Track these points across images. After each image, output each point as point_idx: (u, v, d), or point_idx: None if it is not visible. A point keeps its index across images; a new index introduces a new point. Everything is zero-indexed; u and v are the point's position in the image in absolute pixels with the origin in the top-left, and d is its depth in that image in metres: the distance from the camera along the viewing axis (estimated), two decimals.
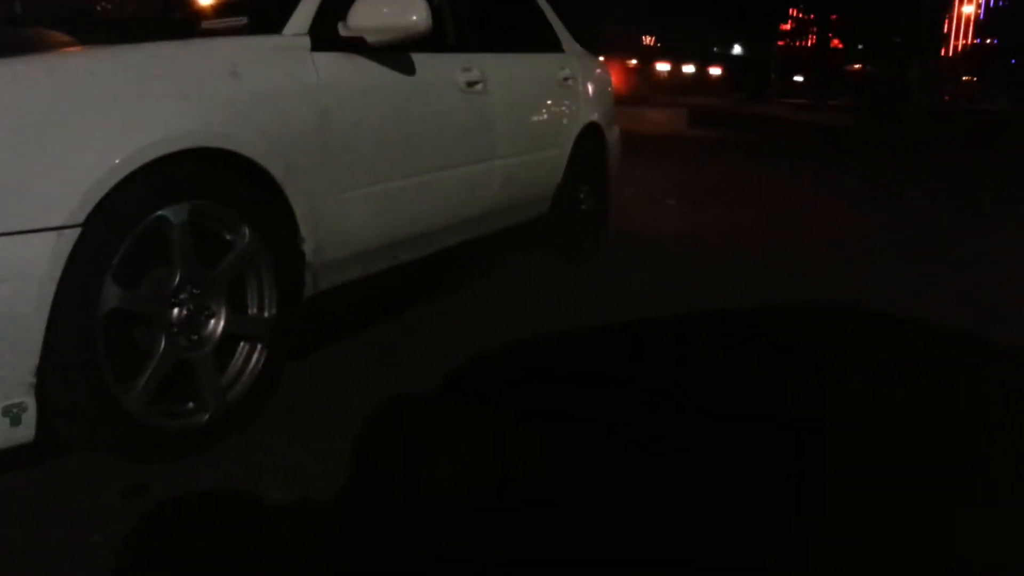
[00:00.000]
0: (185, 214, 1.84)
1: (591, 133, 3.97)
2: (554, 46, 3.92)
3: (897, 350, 2.94)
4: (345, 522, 1.73)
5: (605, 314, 3.14)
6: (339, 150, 2.28)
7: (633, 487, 1.91)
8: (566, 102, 3.80)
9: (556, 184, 3.70)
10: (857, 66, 30.19)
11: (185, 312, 1.89)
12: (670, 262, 4.02)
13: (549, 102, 3.67)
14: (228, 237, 1.98)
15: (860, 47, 32.05)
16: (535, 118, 3.53)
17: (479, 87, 3.00)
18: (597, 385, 2.49)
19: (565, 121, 3.80)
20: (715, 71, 33.42)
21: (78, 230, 1.61)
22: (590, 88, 4.06)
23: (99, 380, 1.71)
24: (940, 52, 38.22)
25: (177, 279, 1.86)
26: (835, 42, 32.95)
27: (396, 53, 2.52)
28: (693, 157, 7.32)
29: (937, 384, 2.61)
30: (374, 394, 2.32)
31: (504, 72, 3.23)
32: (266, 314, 2.10)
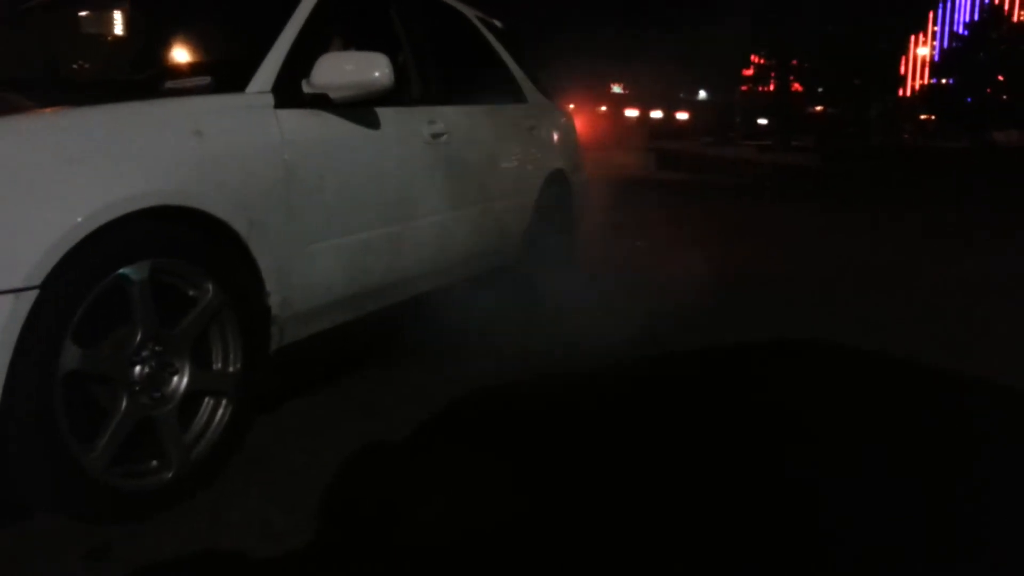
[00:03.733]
0: (146, 272, 1.84)
1: (556, 180, 4.04)
2: (517, 97, 4.01)
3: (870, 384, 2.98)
4: None
5: (576, 354, 3.16)
6: (304, 205, 2.31)
7: (612, 533, 1.90)
8: (530, 150, 3.89)
9: (522, 231, 3.74)
10: (819, 108, 30.91)
11: (147, 370, 1.88)
12: (641, 301, 4.06)
13: (513, 151, 3.75)
14: (191, 293, 1.98)
15: (820, 90, 32.86)
16: (500, 167, 3.60)
17: (444, 138, 3.05)
18: (574, 429, 2.50)
19: (530, 168, 3.88)
20: (682, 116, 34.05)
21: (36, 292, 1.61)
22: (554, 136, 4.15)
23: (57, 442, 1.68)
24: (898, 92, 39.27)
25: (139, 337, 1.85)
26: (796, 85, 33.77)
27: (360, 108, 2.57)
28: (661, 199, 7.43)
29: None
30: (344, 444, 2.31)
31: (468, 123, 3.29)
32: (231, 369, 2.09)
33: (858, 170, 13.97)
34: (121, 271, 1.79)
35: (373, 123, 2.64)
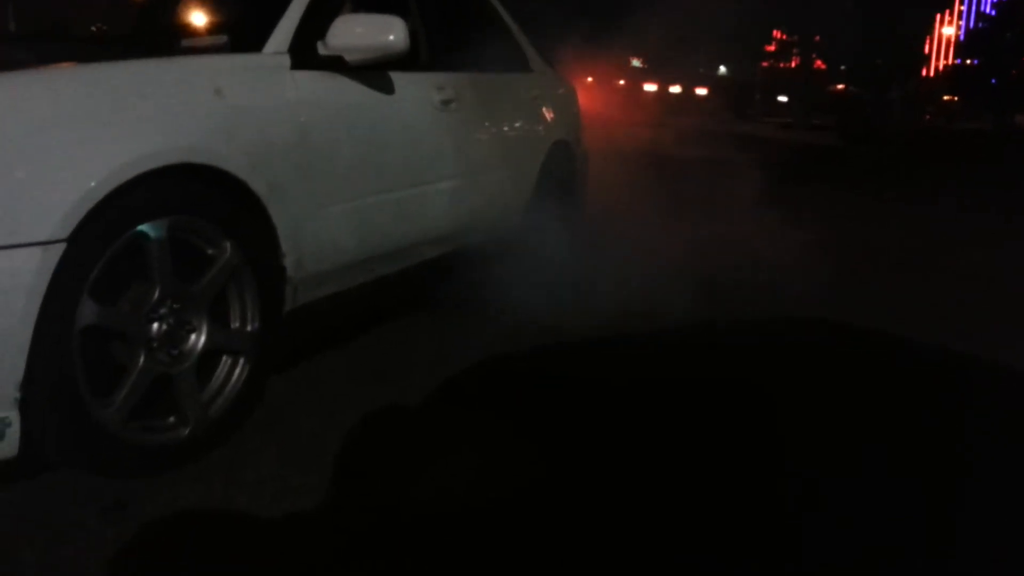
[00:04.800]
0: (164, 229, 1.86)
1: (559, 150, 4.06)
2: (523, 65, 4.01)
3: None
4: (332, 537, 1.73)
5: (586, 320, 3.18)
6: (319, 166, 2.32)
7: (630, 496, 1.92)
8: (535, 120, 3.90)
9: (526, 200, 3.76)
10: (840, 86, 30.51)
11: (165, 327, 1.91)
12: (652, 271, 4.03)
13: (519, 120, 3.76)
14: (210, 252, 2.01)
15: (843, 67, 32.36)
16: (506, 135, 3.61)
17: (453, 105, 3.05)
18: (587, 393, 2.52)
19: (534, 138, 3.90)
20: (701, 91, 33.68)
21: (62, 245, 1.63)
22: (558, 107, 4.17)
23: (75, 396, 1.72)
24: (921, 73, 38.70)
25: (156, 294, 1.88)
26: (818, 63, 33.27)
27: (374, 72, 2.57)
28: (679, 175, 7.37)
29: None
30: (358, 405, 2.34)
31: (476, 91, 3.29)
32: (248, 328, 2.12)
33: (880, 151, 13.83)
34: (139, 228, 1.81)
35: (386, 87, 2.65)
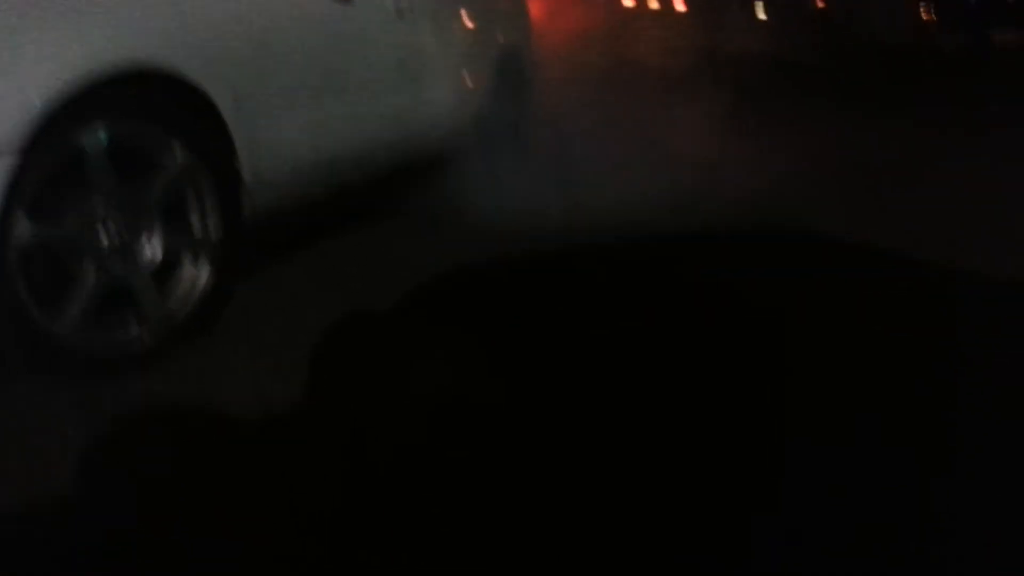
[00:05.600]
0: (102, 138, 1.82)
1: (511, 54, 4.07)
2: None
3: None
4: (311, 446, 1.75)
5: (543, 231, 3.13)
6: (274, 71, 2.30)
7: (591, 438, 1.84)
8: (487, 24, 3.89)
9: (479, 104, 3.76)
10: (820, 3, 30.06)
11: (117, 237, 1.91)
12: (608, 181, 3.92)
13: (471, 27, 3.73)
14: (158, 157, 1.99)
15: None
16: (459, 43, 3.59)
17: (408, 15, 3.01)
18: (558, 305, 2.52)
19: (486, 45, 3.88)
20: (680, 7, 32.90)
21: (11, 157, 1.62)
22: (509, 13, 4.19)
23: (19, 309, 1.73)
24: None
25: (101, 205, 1.87)
26: None
27: None
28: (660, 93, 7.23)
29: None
30: (328, 310, 2.37)
31: None
32: (210, 232, 2.13)
33: (854, 66, 13.73)
34: (74, 139, 1.77)
35: None
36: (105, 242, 1.89)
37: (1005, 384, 2.14)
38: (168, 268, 2.06)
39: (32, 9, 1.70)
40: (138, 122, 1.92)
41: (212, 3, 2.13)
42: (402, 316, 2.43)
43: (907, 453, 1.85)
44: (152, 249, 2.01)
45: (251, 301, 2.40)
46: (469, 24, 3.75)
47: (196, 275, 2.13)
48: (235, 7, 2.19)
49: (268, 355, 2.12)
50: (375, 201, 3.29)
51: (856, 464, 1.80)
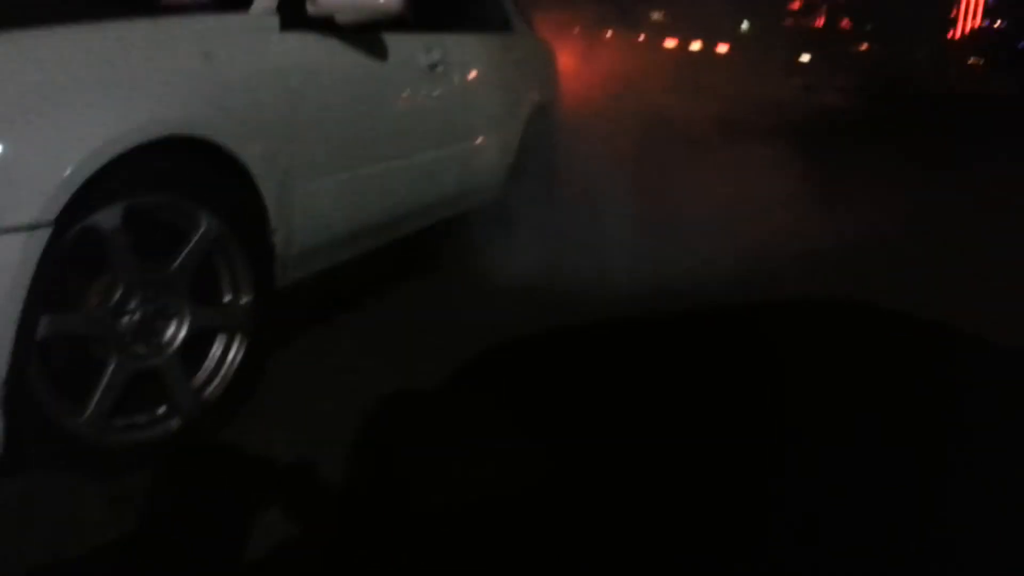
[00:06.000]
0: (118, 218, 1.68)
1: (540, 114, 3.94)
2: (505, 25, 3.84)
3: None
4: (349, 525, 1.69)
5: (579, 294, 3.09)
6: (309, 135, 2.20)
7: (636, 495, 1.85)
8: (518, 83, 3.77)
9: (508, 166, 3.65)
10: (864, 46, 29.84)
11: (137, 318, 1.77)
12: (639, 241, 3.85)
13: (503, 83, 3.61)
14: (186, 229, 1.87)
15: (868, 27, 31.62)
16: (490, 100, 3.46)
17: (440, 69, 2.90)
18: (604, 382, 2.45)
19: (517, 102, 3.77)
20: (722, 48, 32.97)
21: (49, 229, 1.51)
22: (540, 69, 4.07)
23: (38, 410, 1.60)
24: (948, 34, 37.88)
25: (120, 289, 1.73)
26: (844, 22, 32.47)
27: (365, 33, 2.43)
28: (696, 140, 7.11)
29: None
30: (369, 385, 2.27)
31: (461, 53, 3.16)
32: (242, 301, 2.00)
33: (902, 114, 13.50)
34: (88, 221, 1.63)
35: (377, 50, 2.51)
36: (127, 325, 1.76)
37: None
38: (199, 341, 1.94)
39: (63, 76, 1.60)
40: (164, 193, 1.79)
41: (245, 66, 2.02)
42: (445, 389, 2.33)
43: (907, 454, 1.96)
44: (178, 327, 1.88)
45: (287, 373, 2.30)
46: (501, 80, 3.62)
47: (228, 349, 2.01)
48: (268, 67, 2.08)
49: (308, 431, 2.02)
50: (409, 260, 3.20)
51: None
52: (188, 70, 1.86)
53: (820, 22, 31.46)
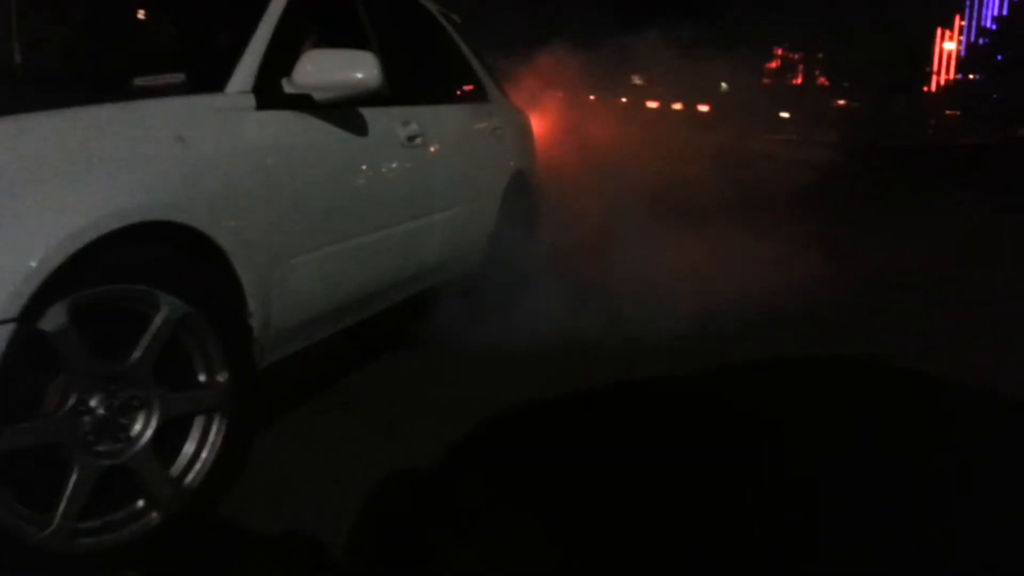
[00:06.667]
0: (64, 316, 1.55)
1: (518, 181, 3.92)
2: (481, 95, 3.85)
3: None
4: None
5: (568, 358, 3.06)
6: (287, 215, 2.14)
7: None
8: (495, 151, 3.75)
9: (488, 234, 3.61)
10: (842, 102, 30.46)
11: (101, 415, 1.65)
12: (616, 303, 3.81)
13: (481, 153, 3.60)
14: (145, 313, 1.74)
15: (845, 84, 32.32)
16: (469, 170, 3.43)
17: (418, 141, 2.89)
18: (608, 447, 2.41)
19: (496, 170, 3.75)
20: (703, 108, 33.52)
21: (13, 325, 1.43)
22: (516, 137, 4.04)
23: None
24: (923, 88, 38.69)
25: (75, 392, 1.60)
26: (821, 79, 33.19)
27: (343, 110, 2.39)
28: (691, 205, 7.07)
29: None
30: (364, 465, 2.19)
31: (439, 125, 3.13)
32: (219, 379, 1.89)
33: (882, 167, 13.67)
34: (39, 324, 1.52)
35: (356, 126, 2.47)
36: (89, 425, 1.64)
37: None
38: (177, 430, 1.83)
39: (31, 163, 1.54)
40: (114, 283, 1.67)
41: (219, 147, 1.97)
42: (439, 472, 2.24)
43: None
44: (148, 418, 1.76)
45: (274, 454, 2.21)
46: (479, 149, 3.62)
47: (208, 431, 1.89)
48: (244, 148, 2.04)
49: (297, 518, 1.93)
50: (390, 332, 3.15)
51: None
52: (161, 154, 1.81)
53: (798, 80, 32.13)
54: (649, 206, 5.35)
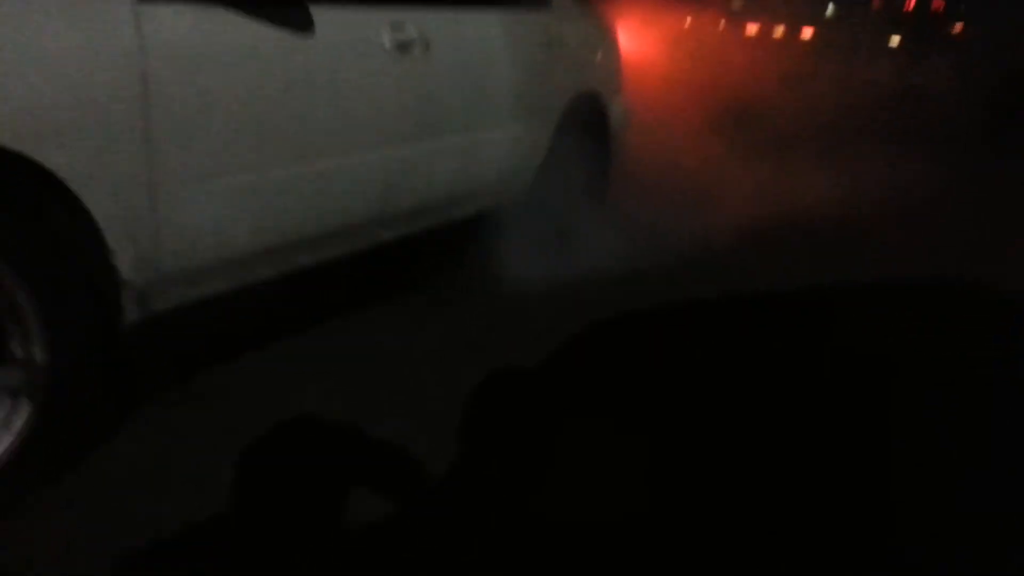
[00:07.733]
0: None
1: (586, 104, 3.35)
2: (537, 2, 3.23)
3: None
4: None
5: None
6: (175, 133, 1.73)
7: None
8: (548, 69, 3.16)
9: (533, 166, 3.11)
10: (958, 27, 28.11)
11: None
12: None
13: (520, 68, 2.99)
14: None
15: (963, 7, 29.74)
16: (498, 87, 2.88)
17: (416, 50, 2.42)
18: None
19: (547, 91, 3.17)
20: (807, 33, 31.53)
21: None
22: (586, 52, 3.43)
23: None
24: None
25: None
26: (937, 2, 30.64)
27: (278, 7, 1.95)
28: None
29: None
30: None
31: (456, 33, 2.62)
32: (36, 358, 1.57)
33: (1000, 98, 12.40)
34: None
35: (298, 24, 2.00)
36: None
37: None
38: None
39: None
40: None
41: (75, 48, 1.57)
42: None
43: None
44: None
45: (137, 446, 1.86)
46: (517, 66, 2.98)
47: (10, 414, 1.58)
48: (109, 49, 1.63)
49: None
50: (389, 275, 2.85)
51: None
52: None
53: (911, 3, 29.74)
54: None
